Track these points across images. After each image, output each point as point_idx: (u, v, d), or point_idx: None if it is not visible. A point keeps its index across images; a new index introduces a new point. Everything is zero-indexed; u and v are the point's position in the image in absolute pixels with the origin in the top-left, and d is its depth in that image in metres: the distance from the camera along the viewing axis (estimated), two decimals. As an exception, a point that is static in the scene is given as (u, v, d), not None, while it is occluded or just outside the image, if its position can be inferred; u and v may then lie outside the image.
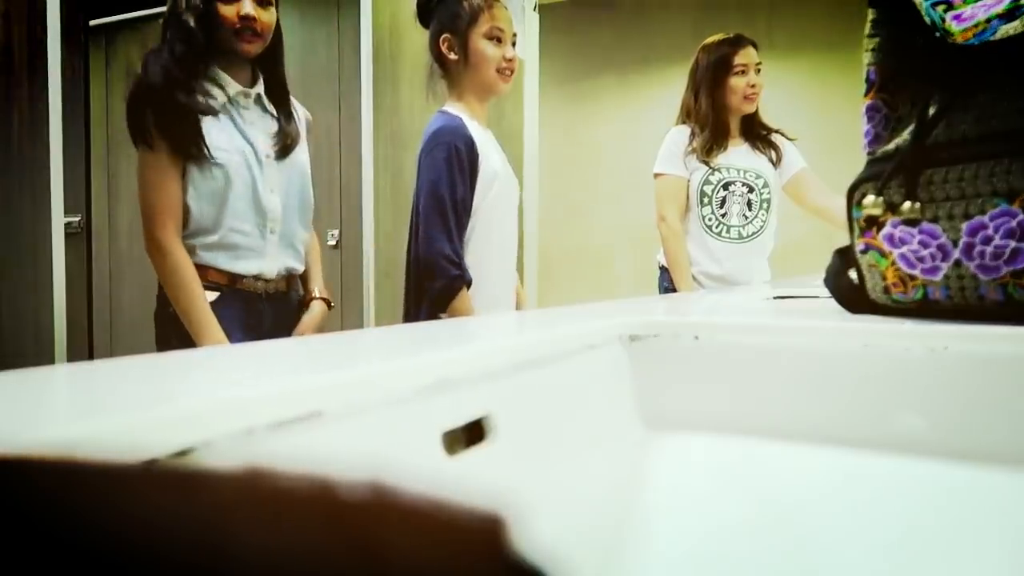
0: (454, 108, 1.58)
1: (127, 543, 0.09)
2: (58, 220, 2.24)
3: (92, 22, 3.46)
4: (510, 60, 1.56)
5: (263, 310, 1.44)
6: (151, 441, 0.21)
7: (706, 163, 2.05)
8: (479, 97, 1.60)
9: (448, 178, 1.46)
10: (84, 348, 3.23)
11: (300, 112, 1.56)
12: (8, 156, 2.17)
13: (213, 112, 1.35)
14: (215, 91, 1.38)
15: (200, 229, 1.36)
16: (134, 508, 0.10)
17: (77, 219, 3.32)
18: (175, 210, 1.33)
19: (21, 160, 2.18)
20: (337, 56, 3.10)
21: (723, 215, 2.07)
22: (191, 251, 1.36)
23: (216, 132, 1.35)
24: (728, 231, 2.07)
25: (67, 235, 2.36)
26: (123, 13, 3.44)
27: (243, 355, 0.40)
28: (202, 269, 1.36)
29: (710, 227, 2.08)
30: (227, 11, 1.34)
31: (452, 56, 1.57)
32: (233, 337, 1.37)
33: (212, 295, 1.36)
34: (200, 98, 1.34)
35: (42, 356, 2.22)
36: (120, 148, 3.51)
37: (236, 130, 1.38)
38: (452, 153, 1.47)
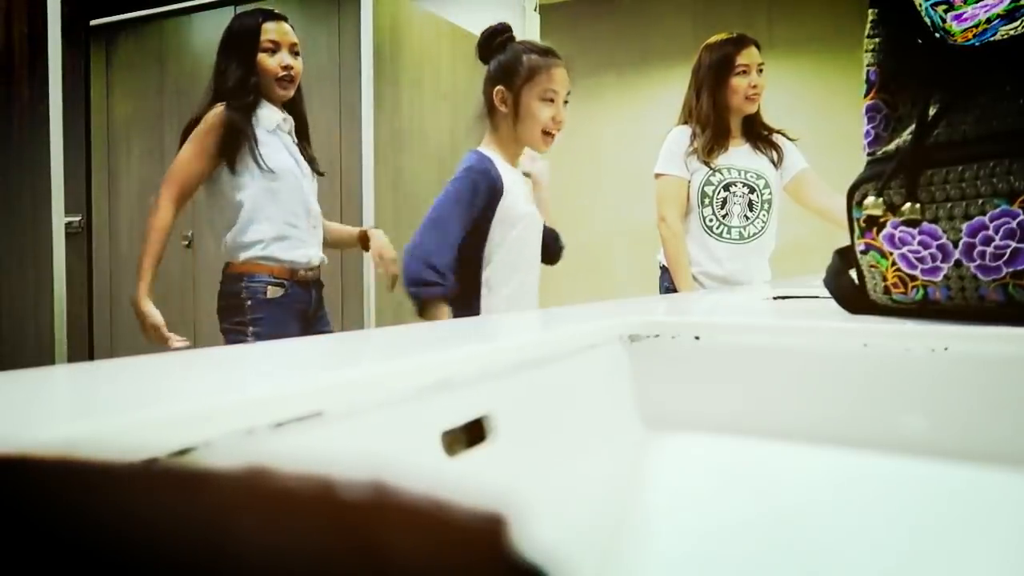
0: (487, 149, 1.60)
1: (128, 543, 0.10)
2: (59, 220, 2.23)
3: (93, 22, 3.46)
4: (558, 123, 1.58)
5: (312, 296, 1.82)
6: (152, 441, 0.21)
7: (707, 164, 2.05)
8: (516, 149, 1.63)
9: (458, 205, 1.50)
10: (84, 348, 3.23)
11: None
12: (8, 156, 2.17)
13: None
14: (266, 119, 1.75)
15: (262, 221, 1.71)
16: (135, 508, 0.10)
17: (78, 219, 3.32)
18: (184, 182, 1.70)
19: (21, 160, 2.18)
20: (337, 56, 3.10)
21: (724, 216, 2.06)
22: (257, 243, 1.71)
23: (271, 150, 1.72)
24: (729, 232, 2.06)
25: (68, 235, 2.35)
26: (124, 13, 3.44)
27: (244, 355, 0.40)
28: (267, 266, 1.71)
29: (711, 228, 2.07)
30: (270, 62, 1.73)
31: (503, 109, 1.58)
32: (292, 325, 1.74)
33: (278, 291, 1.72)
34: (253, 125, 1.73)
35: (42, 356, 2.21)
36: (120, 148, 3.51)
37: (286, 150, 1.77)
38: (470, 187, 1.51)
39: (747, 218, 2.06)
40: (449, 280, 1.49)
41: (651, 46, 4.65)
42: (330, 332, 1.90)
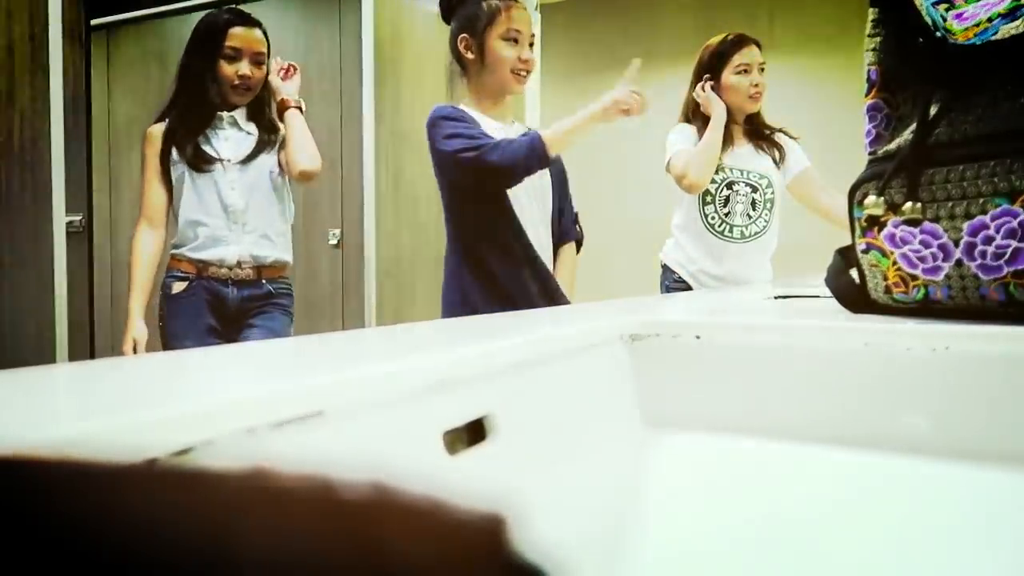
0: (464, 106, 1.61)
1: (129, 543, 0.10)
2: (59, 219, 2.24)
3: (94, 21, 3.46)
4: (525, 61, 1.60)
5: (229, 293, 1.76)
6: (152, 441, 0.21)
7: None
8: (494, 98, 1.63)
9: (449, 125, 1.53)
10: (85, 347, 3.23)
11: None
12: (10, 155, 2.17)
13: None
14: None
15: (181, 220, 1.75)
16: (136, 508, 0.10)
17: (78, 218, 3.32)
18: (147, 210, 1.78)
19: (23, 159, 2.18)
20: (339, 55, 3.10)
21: (726, 214, 2.04)
22: (176, 243, 1.76)
23: (196, 147, 1.73)
24: (731, 230, 2.05)
25: (68, 234, 2.36)
26: (124, 12, 3.44)
27: (245, 355, 0.40)
28: (176, 260, 1.75)
29: (712, 225, 2.05)
30: (228, 70, 1.74)
31: (469, 56, 1.60)
32: (201, 319, 1.72)
33: (181, 286, 1.73)
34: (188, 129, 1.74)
35: (43, 355, 2.22)
36: (121, 147, 3.51)
37: (209, 145, 1.76)
38: (446, 114, 1.56)
39: (749, 217, 2.04)
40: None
41: (653, 45, 4.65)
42: (265, 337, 1.84)
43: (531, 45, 1.62)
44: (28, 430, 0.20)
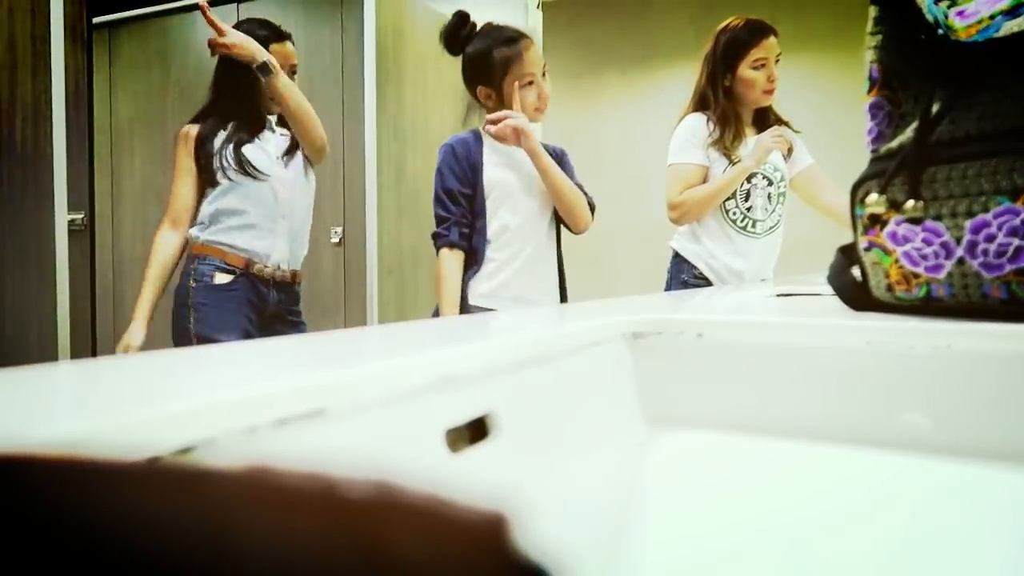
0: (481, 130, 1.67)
1: (130, 542, 0.10)
2: (61, 218, 2.24)
3: (95, 19, 3.46)
4: (543, 100, 1.64)
5: (271, 295, 1.76)
6: (154, 439, 0.21)
7: (728, 156, 1.94)
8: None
9: (440, 173, 1.62)
10: (87, 346, 3.23)
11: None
12: (11, 154, 2.17)
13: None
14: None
15: (224, 208, 1.71)
16: (137, 506, 0.10)
17: (80, 217, 3.33)
18: (173, 211, 1.76)
19: (24, 158, 2.19)
20: (340, 55, 3.10)
21: (748, 208, 1.97)
22: (215, 226, 1.72)
23: (249, 150, 1.75)
24: (754, 225, 1.98)
25: (70, 233, 2.36)
26: (126, 11, 3.44)
27: (246, 353, 0.40)
28: (220, 250, 1.70)
29: (735, 221, 1.98)
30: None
31: (490, 104, 1.64)
32: (240, 315, 1.70)
33: (226, 277, 1.69)
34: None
35: (45, 354, 2.22)
36: (123, 146, 3.52)
37: (259, 149, 1.77)
38: (447, 153, 1.62)
39: (767, 211, 1.98)
40: (453, 232, 1.60)
41: (654, 43, 4.64)
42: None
43: (544, 75, 1.64)
44: (29, 429, 0.20)
